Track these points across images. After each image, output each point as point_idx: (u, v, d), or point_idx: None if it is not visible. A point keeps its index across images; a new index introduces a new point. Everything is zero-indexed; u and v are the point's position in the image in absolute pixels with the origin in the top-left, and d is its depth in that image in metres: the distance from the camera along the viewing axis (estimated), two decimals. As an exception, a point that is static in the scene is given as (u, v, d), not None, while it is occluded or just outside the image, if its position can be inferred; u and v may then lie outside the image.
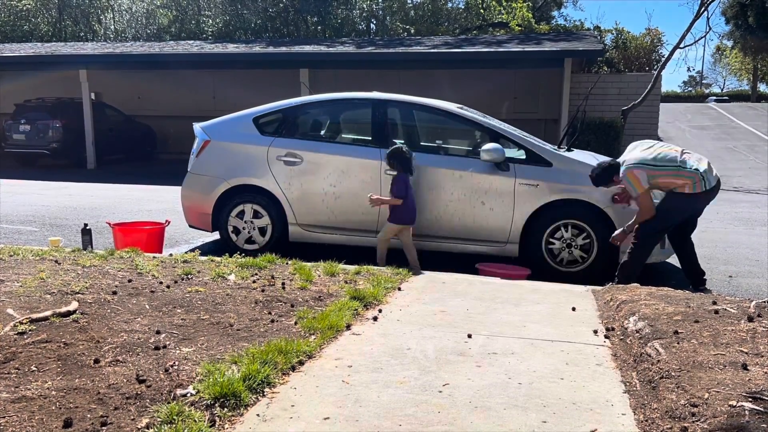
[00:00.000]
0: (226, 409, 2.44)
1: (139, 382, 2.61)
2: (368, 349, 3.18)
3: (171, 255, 5.19)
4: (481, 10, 26.67)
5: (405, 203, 5.21)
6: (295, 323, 3.48)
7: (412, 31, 25.19)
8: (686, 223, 4.95)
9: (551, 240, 5.30)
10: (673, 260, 6.01)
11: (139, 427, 2.28)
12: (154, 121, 17.59)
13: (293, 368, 2.89)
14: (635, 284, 4.49)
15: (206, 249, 6.11)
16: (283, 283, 4.22)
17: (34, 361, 2.78)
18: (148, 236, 5.83)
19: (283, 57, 15.31)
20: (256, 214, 5.87)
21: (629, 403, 2.63)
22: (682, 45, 16.97)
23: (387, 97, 5.96)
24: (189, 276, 4.30)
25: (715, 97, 48.69)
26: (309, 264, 4.83)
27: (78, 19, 28.74)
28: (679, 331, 3.19)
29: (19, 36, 26.53)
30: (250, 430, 2.34)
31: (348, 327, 3.49)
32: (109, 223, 6.08)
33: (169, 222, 6.09)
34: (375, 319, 3.68)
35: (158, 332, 3.19)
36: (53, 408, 2.38)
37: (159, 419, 2.32)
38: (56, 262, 4.54)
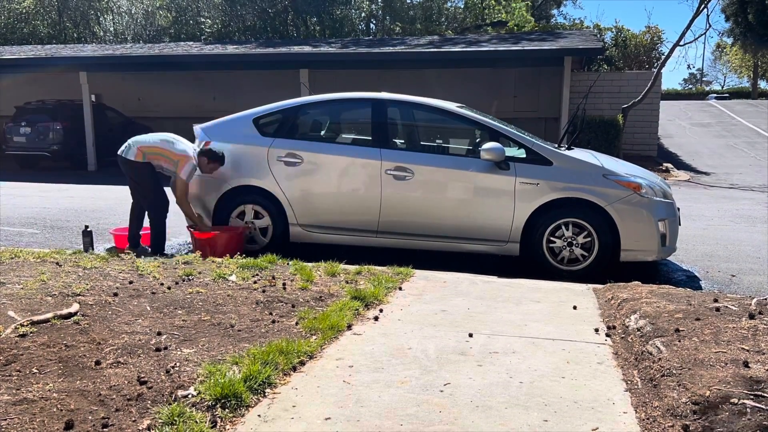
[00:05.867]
0: (227, 410, 2.44)
1: (141, 383, 2.61)
2: (369, 349, 3.18)
3: (172, 256, 5.20)
4: (480, 9, 26.67)
5: None
6: (296, 323, 3.48)
7: (402, 28, 25.19)
8: None
9: (552, 239, 5.29)
10: (674, 258, 6.01)
11: (140, 428, 2.29)
12: (155, 122, 17.52)
13: (294, 368, 2.89)
14: (636, 282, 4.49)
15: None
16: (284, 284, 4.22)
17: (35, 363, 2.78)
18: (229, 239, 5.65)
19: (282, 58, 15.30)
20: (257, 215, 5.87)
21: (630, 402, 2.63)
22: (682, 42, 16.97)
23: (387, 96, 5.95)
24: (190, 277, 4.30)
25: (715, 95, 48.63)
26: (310, 264, 4.83)
27: (77, 21, 28.74)
28: (681, 329, 3.19)
29: (18, 38, 26.53)
30: (252, 431, 2.34)
31: (349, 327, 3.49)
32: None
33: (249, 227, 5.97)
34: (376, 318, 3.69)
35: (159, 333, 3.19)
36: (54, 410, 2.38)
37: (160, 420, 2.32)
38: (57, 264, 4.54)
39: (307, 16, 25.40)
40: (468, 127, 6.10)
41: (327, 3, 24.37)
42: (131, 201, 5.80)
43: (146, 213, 5.74)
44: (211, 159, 5.68)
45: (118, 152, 5.65)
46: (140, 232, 5.77)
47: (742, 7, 20.35)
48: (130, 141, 5.64)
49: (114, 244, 6.16)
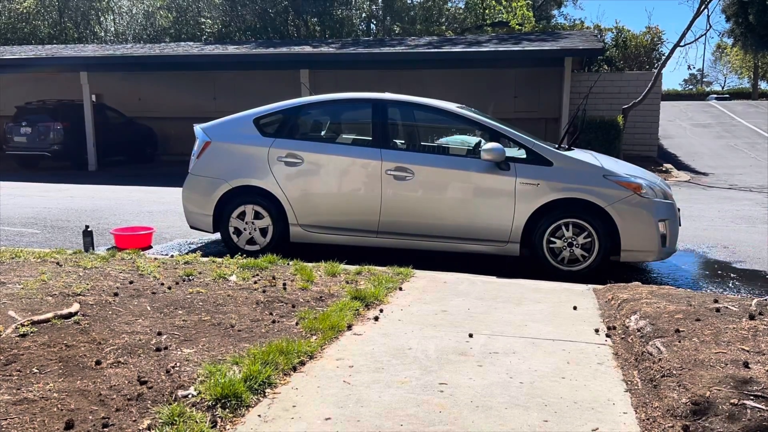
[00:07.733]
0: (227, 410, 2.44)
1: (141, 383, 2.61)
2: (369, 349, 3.18)
3: (172, 256, 5.20)
4: (481, 10, 26.68)
5: None
6: (297, 324, 3.48)
7: (402, 29, 25.21)
8: None
9: (552, 239, 5.29)
10: (674, 259, 6.01)
11: (140, 428, 2.29)
12: (155, 122, 17.60)
13: (294, 369, 2.89)
14: (636, 283, 4.49)
15: (207, 250, 6.11)
16: (284, 284, 4.22)
17: (35, 363, 2.78)
18: None
19: (283, 58, 15.31)
20: (257, 215, 5.87)
21: (631, 402, 2.63)
22: (682, 43, 16.95)
23: (387, 97, 5.96)
24: (190, 277, 4.30)
25: (715, 95, 48.62)
26: (310, 264, 4.83)
27: (78, 21, 28.76)
28: (681, 329, 3.19)
29: (19, 38, 26.55)
30: (252, 431, 2.34)
31: (349, 327, 3.49)
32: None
33: None
34: (376, 319, 3.69)
35: (159, 333, 3.19)
36: (55, 410, 2.38)
37: (160, 420, 2.32)
38: (57, 264, 4.54)
39: (307, 17, 25.43)
40: (468, 127, 6.11)
41: (327, 3, 24.40)
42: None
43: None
44: None
45: None
46: None
47: (743, 7, 20.33)
48: None
49: (115, 244, 6.16)
